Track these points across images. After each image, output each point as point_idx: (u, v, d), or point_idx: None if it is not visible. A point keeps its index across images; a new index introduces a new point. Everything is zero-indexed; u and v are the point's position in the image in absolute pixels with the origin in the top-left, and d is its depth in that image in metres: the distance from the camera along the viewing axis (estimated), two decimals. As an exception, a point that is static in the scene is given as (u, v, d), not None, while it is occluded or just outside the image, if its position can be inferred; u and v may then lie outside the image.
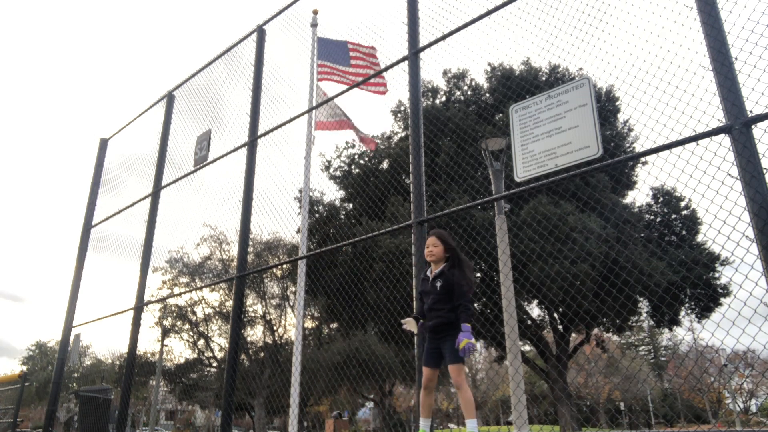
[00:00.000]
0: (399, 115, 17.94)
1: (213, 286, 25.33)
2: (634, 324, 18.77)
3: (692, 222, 15.24)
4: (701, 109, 3.32)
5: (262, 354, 27.00)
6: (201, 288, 26.31)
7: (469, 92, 17.38)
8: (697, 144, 3.31)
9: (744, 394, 40.04)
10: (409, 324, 3.69)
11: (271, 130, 6.34)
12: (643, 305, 16.08)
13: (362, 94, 7.71)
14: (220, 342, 28.16)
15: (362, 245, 15.03)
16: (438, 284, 3.66)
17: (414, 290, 4.26)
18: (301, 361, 6.70)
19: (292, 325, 27.39)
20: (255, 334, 27.94)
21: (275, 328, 27.46)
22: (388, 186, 15.58)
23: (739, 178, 3.04)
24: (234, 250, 6.96)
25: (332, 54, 7.87)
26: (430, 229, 4.55)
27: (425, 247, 3.82)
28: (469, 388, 3.47)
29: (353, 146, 18.24)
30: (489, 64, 16.57)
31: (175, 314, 27.53)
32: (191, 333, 28.14)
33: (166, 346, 26.96)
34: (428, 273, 3.81)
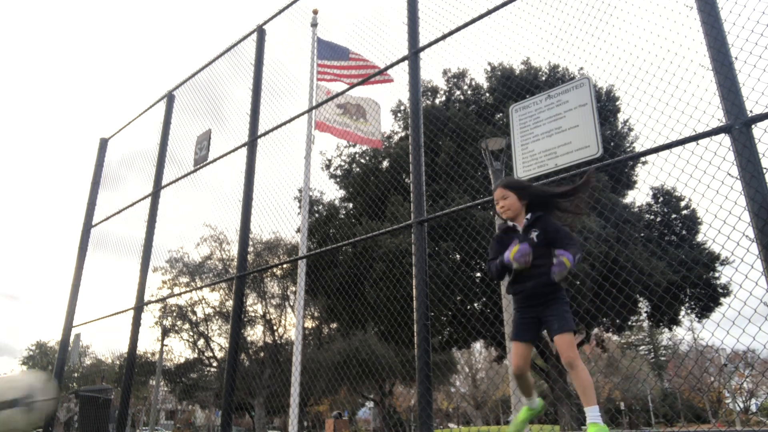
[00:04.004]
0: (399, 114, 17.95)
1: (213, 286, 25.34)
2: (634, 324, 18.78)
3: (692, 222, 15.25)
4: (701, 109, 3.32)
5: (262, 354, 27.01)
6: (201, 288, 26.31)
7: (469, 92, 17.39)
8: (697, 144, 3.31)
9: (744, 394, 40.04)
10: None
11: (271, 130, 6.34)
12: (643, 305, 16.09)
13: (362, 93, 7.71)
14: (220, 342, 28.19)
15: (362, 245, 15.03)
16: (534, 235, 2.93)
17: (414, 290, 4.24)
18: (301, 361, 6.70)
19: (292, 325, 27.40)
20: (255, 334, 27.96)
21: (275, 328, 27.47)
22: (388, 186, 15.58)
23: (739, 177, 3.05)
24: (234, 250, 6.95)
25: (332, 54, 7.88)
26: (430, 230, 4.55)
27: (496, 204, 3.09)
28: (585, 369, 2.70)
29: (354, 145, 18.25)
30: (489, 64, 16.58)
31: (175, 314, 27.55)
32: (191, 333, 28.15)
33: (166, 345, 26.97)
34: (511, 226, 3.06)
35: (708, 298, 15.01)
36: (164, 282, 26.72)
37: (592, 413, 2.63)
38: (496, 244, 3.08)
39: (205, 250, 26.52)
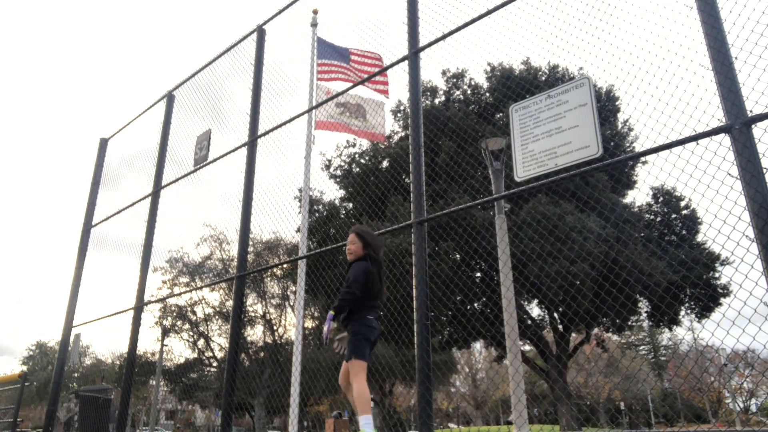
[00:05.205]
0: (399, 114, 17.95)
1: (213, 286, 25.34)
2: (634, 324, 18.78)
3: (692, 222, 15.25)
4: (701, 109, 3.32)
5: (262, 354, 27.01)
6: (201, 288, 26.31)
7: (468, 92, 17.39)
8: (697, 144, 3.30)
9: (744, 394, 40.05)
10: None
11: (271, 130, 6.34)
12: (643, 305, 16.08)
13: (362, 91, 7.71)
14: (220, 342, 28.19)
15: (362, 245, 14.99)
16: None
17: (414, 290, 4.24)
18: (301, 361, 6.70)
19: (292, 325, 27.40)
20: (255, 334, 27.97)
21: (275, 328, 27.47)
22: (388, 186, 15.57)
23: (739, 177, 3.04)
24: (234, 249, 6.95)
25: (332, 54, 7.87)
26: (430, 230, 4.55)
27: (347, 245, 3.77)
28: (364, 388, 3.30)
29: (354, 145, 18.25)
30: (489, 64, 16.58)
31: (175, 314, 27.55)
32: (191, 333, 28.15)
33: (166, 345, 26.97)
34: None
35: (708, 298, 15.00)
36: (164, 282, 26.75)
37: (364, 421, 3.18)
38: None
39: (205, 250, 26.55)
